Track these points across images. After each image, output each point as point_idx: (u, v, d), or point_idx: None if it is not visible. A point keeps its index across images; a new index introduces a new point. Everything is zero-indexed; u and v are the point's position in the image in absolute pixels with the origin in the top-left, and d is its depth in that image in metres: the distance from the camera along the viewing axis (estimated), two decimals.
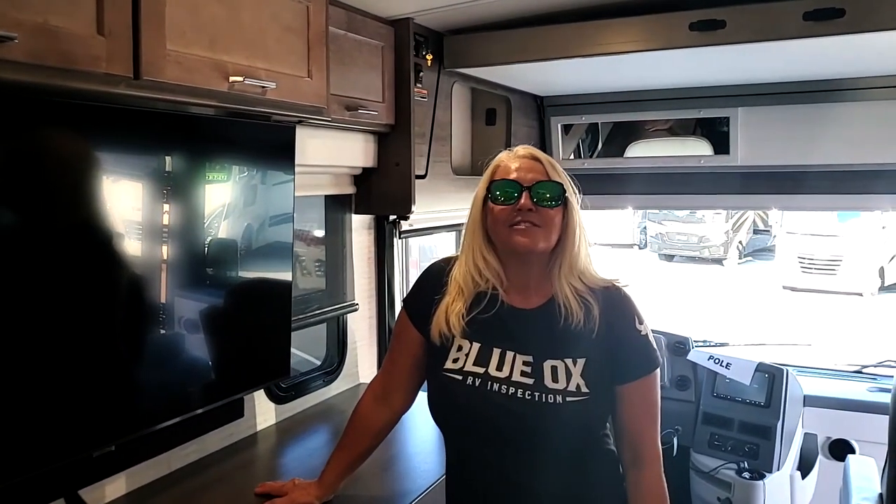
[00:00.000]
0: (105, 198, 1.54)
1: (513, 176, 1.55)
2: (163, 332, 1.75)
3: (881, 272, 13.42)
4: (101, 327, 1.58)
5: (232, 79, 1.62)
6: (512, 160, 1.59)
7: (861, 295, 13.04)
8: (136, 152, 1.64)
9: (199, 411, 1.88)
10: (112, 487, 1.80)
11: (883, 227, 13.37)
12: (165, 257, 1.72)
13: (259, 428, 2.28)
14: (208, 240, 1.86)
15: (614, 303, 1.58)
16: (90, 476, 1.69)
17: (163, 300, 1.73)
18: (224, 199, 1.92)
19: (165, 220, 1.71)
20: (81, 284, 1.51)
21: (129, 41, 1.38)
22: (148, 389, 1.73)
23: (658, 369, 1.59)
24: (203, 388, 1.90)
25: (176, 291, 1.78)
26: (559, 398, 1.49)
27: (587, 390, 1.50)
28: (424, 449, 2.21)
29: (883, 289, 13.41)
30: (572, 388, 1.50)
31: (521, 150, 1.62)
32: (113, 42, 1.35)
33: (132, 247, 1.62)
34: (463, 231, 1.66)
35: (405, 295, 1.76)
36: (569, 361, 1.52)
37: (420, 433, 2.27)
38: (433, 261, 1.74)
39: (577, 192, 1.59)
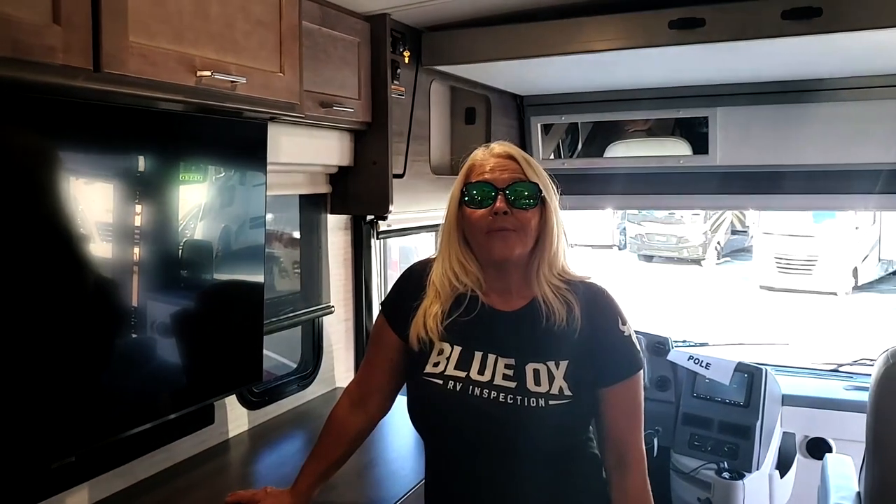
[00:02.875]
0: (69, 197, 1.48)
1: (487, 177, 1.51)
2: (134, 336, 1.69)
3: (855, 272, 13.60)
4: (65, 332, 1.51)
5: (199, 73, 1.56)
6: (487, 159, 1.55)
7: (836, 294, 13.20)
8: (102, 149, 1.58)
9: (168, 418, 1.82)
10: (74, 500, 1.72)
11: (856, 228, 13.57)
12: (137, 259, 1.66)
13: (231, 434, 2.22)
14: (182, 242, 1.81)
15: (597, 301, 1.55)
16: (48, 489, 1.62)
17: (134, 303, 1.67)
18: (196, 198, 1.87)
19: (137, 220, 1.65)
20: (43, 288, 1.45)
21: (88, 32, 1.32)
22: (114, 396, 1.66)
23: (641, 371, 1.55)
24: (172, 393, 1.84)
25: (148, 294, 1.72)
26: (542, 402, 1.45)
27: (570, 393, 1.47)
28: (402, 454, 2.16)
29: (856, 288, 13.59)
30: (555, 391, 1.46)
31: (497, 147, 1.58)
32: (70, 32, 1.29)
33: (99, 248, 1.56)
34: (439, 232, 1.62)
35: (383, 298, 1.71)
36: (551, 364, 1.48)
37: (397, 438, 2.23)
38: (413, 262, 1.70)
39: (555, 190, 1.55)
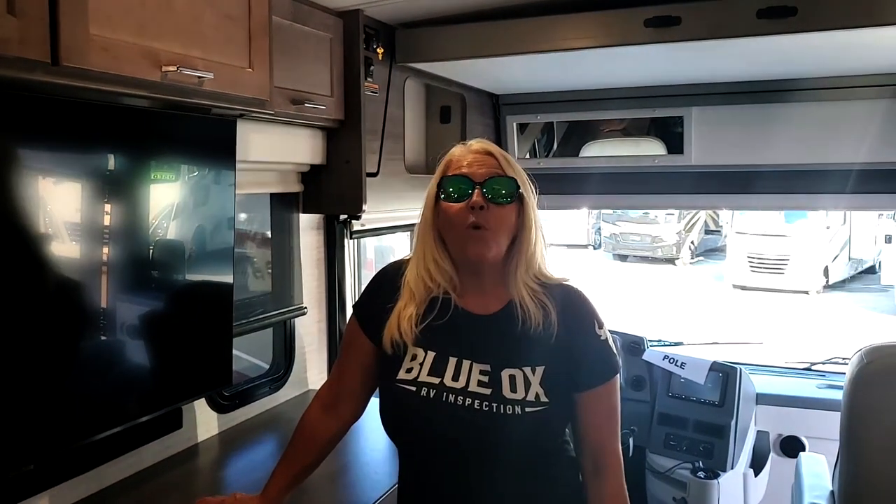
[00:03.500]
0: (32, 195, 1.43)
1: (464, 171, 1.48)
2: (102, 338, 1.65)
3: (825, 271, 13.80)
4: (28, 335, 1.46)
5: (165, 68, 1.51)
6: (465, 154, 1.52)
7: (807, 293, 13.39)
8: (66, 146, 1.54)
9: (135, 422, 1.77)
10: None
11: (827, 228, 13.77)
12: (106, 260, 1.61)
13: (200, 439, 2.17)
14: (151, 242, 1.77)
15: (573, 305, 1.52)
16: (7, 498, 1.56)
17: (103, 305, 1.62)
18: (165, 197, 1.82)
19: (106, 220, 1.60)
20: (6, 289, 1.40)
21: (45, 23, 1.27)
22: (79, 400, 1.61)
23: (618, 375, 1.53)
24: (140, 397, 1.79)
25: (116, 296, 1.68)
26: (518, 409, 1.42)
27: (546, 399, 1.44)
28: (375, 458, 2.13)
29: (827, 287, 13.79)
30: (531, 397, 1.43)
31: (475, 143, 1.54)
32: (26, 23, 1.23)
33: (66, 248, 1.52)
34: (415, 230, 1.58)
35: (356, 300, 1.67)
36: (527, 370, 1.45)
37: (370, 442, 2.19)
38: (387, 263, 1.66)
39: (533, 188, 1.52)
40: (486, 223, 1.44)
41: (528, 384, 1.44)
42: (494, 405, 1.42)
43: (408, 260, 1.59)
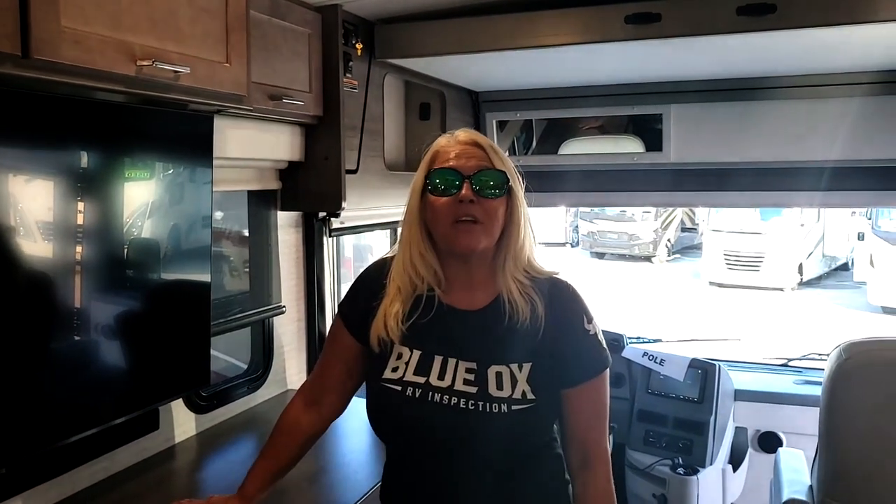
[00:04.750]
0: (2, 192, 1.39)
1: (452, 163, 1.45)
2: (76, 338, 1.61)
3: (800, 268, 13.97)
4: None
5: (140, 62, 1.48)
6: (452, 145, 1.49)
7: (782, 290, 13.55)
8: (38, 142, 1.49)
9: (108, 425, 1.73)
10: None
11: (802, 225, 13.94)
12: (79, 259, 1.57)
13: (177, 440, 2.13)
14: (125, 240, 1.73)
15: (561, 298, 1.50)
16: None
17: (77, 305, 1.58)
18: (140, 194, 1.78)
19: (79, 218, 1.56)
20: None
21: (14, 15, 1.23)
22: (52, 401, 1.57)
23: (607, 370, 1.51)
24: (115, 398, 1.75)
25: (91, 295, 1.64)
26: (504, 407, 1.41)
27: (533, 397, 1.42)
28: (354, 459, 2.11)
29: (801, 284, 13.97)
30: (517, 395, 1.42)
31: (462, 134, 1.51)
32: None
33: (38, 247, 1.48)
34: (401, 223, 1.55)
35: (340, 300, 1.65)
36: (514, 367, 1.44)
37: (350, 442, 2.18)
38: (371, 261, 1.64)
39: (520, 180, 1.50)
40: (475, 217, 1.42)
41: (514, 381, 1.43)
42: (480, 403, 1.41)
43: (391, 258, 1.56)
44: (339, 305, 1.64)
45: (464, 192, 1.42)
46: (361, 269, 1.66)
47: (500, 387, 1.42)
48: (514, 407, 1.41)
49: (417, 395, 1.44)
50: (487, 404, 1.41)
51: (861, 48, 2.46)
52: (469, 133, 1.52)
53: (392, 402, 1.46)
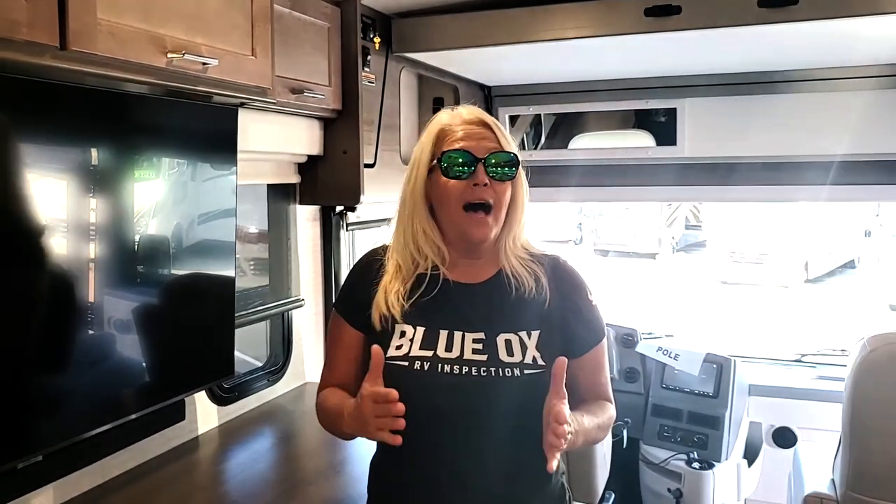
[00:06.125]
0: (26, 184, 1.39)
1: (463, 144, 1.43)
2: (91, 332, 1.60)
3: (806, 265, 13.94)
4: (22, 330, 1.43)
5: (170, 54, 1.48)
6: (458, 124, 1.47)
7: (787, 287, 13.52)
8: (67, 132, 1.50)
9: (136, 415, 1.74)
10: (40, 500, 1.63)
11: (807, 222, 13.89)
12: (94, 255, 1.57)
13: (201, 431, 2.14)
14: (146, 234, 1.74)
15: (564, 274, 1.52)
16: (15, 489, 1.53)
17: (91, 300, 1.58)
18: (163, 187, 1.80)
19: (94, 213, 1.57)
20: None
21: (53, 6, 1.24)
22: (78, 394, 1.58)
23: (605, 336, 1.56)
24: (139, 390, 1.76)
25: (107, 291, 1.64)
26: (516, 371, 1.40)
27: (543, 363, 1.41)
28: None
29: (807, 281, 13.94)
30: (528, 360, 1.41)
31: (466, 112, 1.49)
32: (35, 6, 1.20)
33: (53, 243, 1.47)
34: (400, 198, 1.52)
35: (336, 296, 1.60)
36: (523, 334, 1.43)
37: None
38: (362, 255, 1.61)
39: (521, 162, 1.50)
40: (487, 200, 1.42)
41: (524, 347, 1.42)
42: (493, 369, 1.40)
43: (381, 248, 1.55)
44: (336, 303, 1.60)
45: (479, 175, 1.41)
46: None
47: (510, 353, 1.41)
48: (526, 371, 1.40)
49: (426, 367, 1.41)
50: (500, 369, 1.39)
51: (878, 40, 2.46)
52: (473, 111, 1.50)
53: (399, 377, 1.39)
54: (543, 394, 1.41)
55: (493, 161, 1.43)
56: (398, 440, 1.29)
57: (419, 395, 1.39)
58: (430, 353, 1.42)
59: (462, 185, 1.42)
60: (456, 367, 1.40)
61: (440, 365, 1.41)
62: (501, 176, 1.43)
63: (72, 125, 1.51)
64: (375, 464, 1.57)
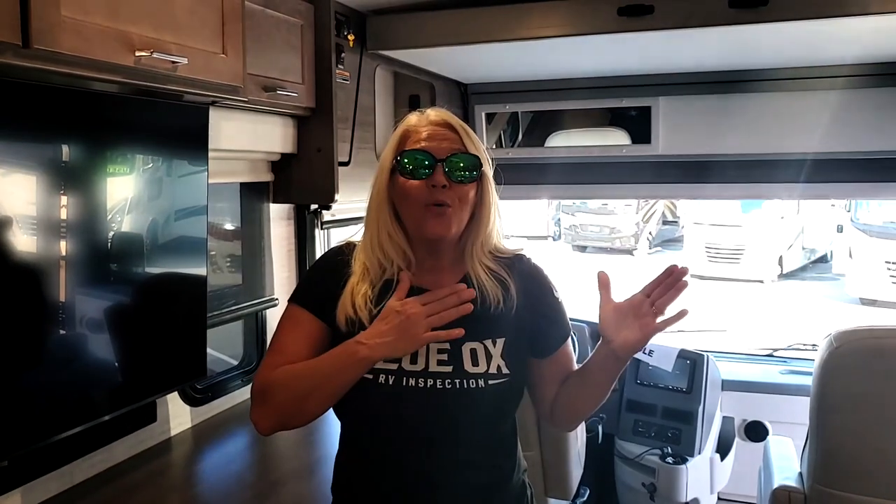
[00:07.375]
0: None
1: (424, 145, 1.41)
2: (62, 332, 1.58)
3: (780, 260, 14.12)
4: None
5: (138, 53, 1.46)
6: (423, 126, 1.44)
7: (762, 282, 13.69)
8: (35, 129, 1.48)
9: (107, 417, 1.72)
10: None
11: (782, 217, 14.08)
12: (65, 252, 1.56)
13: (173, 433, 2.12)
14: (111, 234, 1.71)
15: (532, 274, 1.52)
16: None
17: (62, 299, 1.56)
18: (133, 186, 1.77)
19: (64, 211, 1.55)
20: None
21: (14, 4, 1.22)
22: (47, 396, 1.56)
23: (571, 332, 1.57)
24: (109, 392, 1.74)
25: (79, 289, 1.62)
26: (481, 382, 1.39)
27: (507, 371, 1.41)
28: None
29: (781, 276, 14.12)
30: (493, 370, 1.40)
31: (434, 114, 1.47)
32: None
33: (19, 241, 1.45)
34: (367, 202, 1.49)
35: (292, 292, 1.51)
36: (488, 342, 1.42)
37: None
38: (327, 250, 1.58)
39: (491, 164, 1.47)
40: (447, 202, 1.39)
41: (489, 356, 1.41)
42: (457, 381, 1.39)
43: (350, 243, 1.52)
44: (296, 295, 1.49)
45: (437, 176, 1.38)
46: None
47: (475, 363, 1.40)
48: (490, 382, 1.39)
49: (391, 381, 1.38)
50: (464, 381, 1.39)
51: (847, 41, 2.49)
52: (440, 113, 1.48)
53: (364, 390, 1.37)
54: (508, 402, 1.44)
55: (454, 162, 1.40)
56: (461, 332, 1.33)
57: (384, 409, 1.39)
58: (394, 367, 1.39)
59: (421, 186, 1.39)
60: (421, 381, 1.38)
61: (405, 379, 1.38)
62: (461, 178, 1.40)
63: (39, 123, 1.49)
64: (341, 466, 1.52)
